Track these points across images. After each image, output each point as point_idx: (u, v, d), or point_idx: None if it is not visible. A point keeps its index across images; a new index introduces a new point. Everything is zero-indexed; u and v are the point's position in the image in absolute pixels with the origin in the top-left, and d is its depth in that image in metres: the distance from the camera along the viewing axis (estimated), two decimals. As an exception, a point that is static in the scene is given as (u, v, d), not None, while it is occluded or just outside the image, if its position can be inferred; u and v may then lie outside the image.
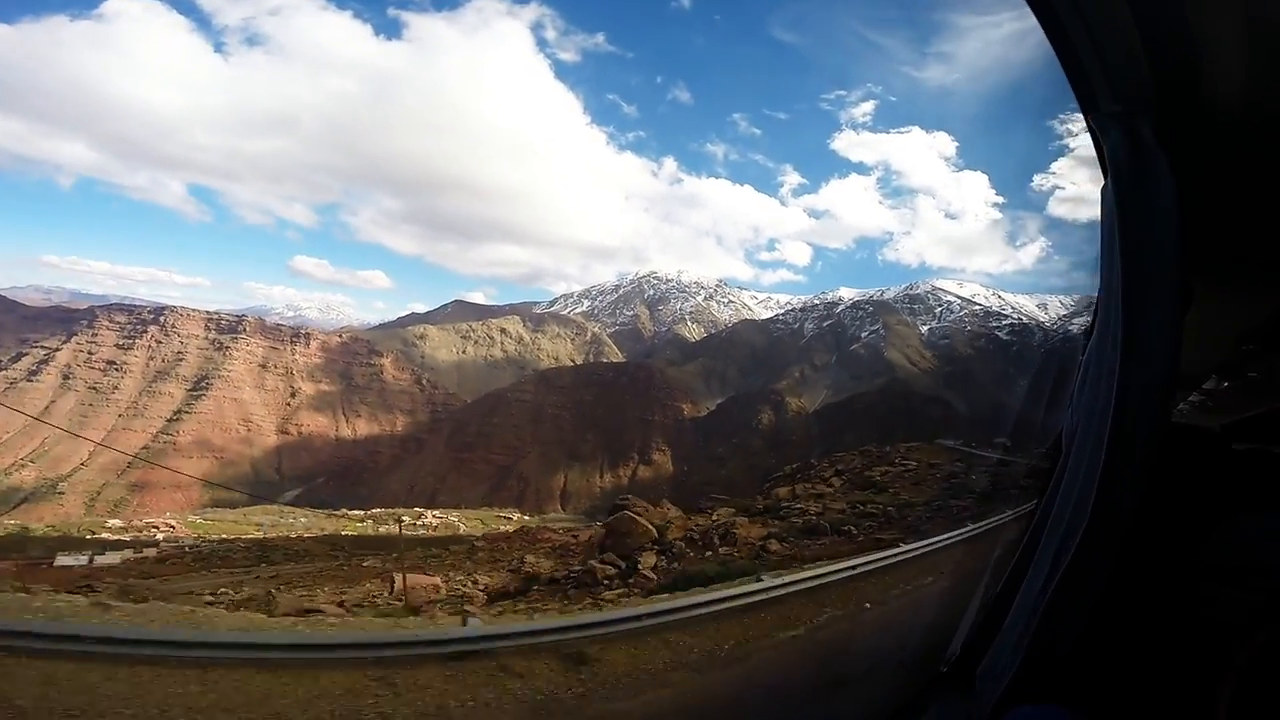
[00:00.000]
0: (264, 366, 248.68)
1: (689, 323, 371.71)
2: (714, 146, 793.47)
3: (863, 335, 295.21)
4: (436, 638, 7.26)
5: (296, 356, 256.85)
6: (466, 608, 14.48)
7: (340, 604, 17.23)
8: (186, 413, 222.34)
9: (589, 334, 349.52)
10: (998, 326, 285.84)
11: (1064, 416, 2.08)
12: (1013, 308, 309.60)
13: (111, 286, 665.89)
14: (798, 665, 7.29)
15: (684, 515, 21.07)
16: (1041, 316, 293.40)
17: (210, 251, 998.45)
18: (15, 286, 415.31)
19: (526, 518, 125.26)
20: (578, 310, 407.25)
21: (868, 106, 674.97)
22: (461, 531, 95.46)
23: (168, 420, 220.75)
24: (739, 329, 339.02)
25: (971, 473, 23.15)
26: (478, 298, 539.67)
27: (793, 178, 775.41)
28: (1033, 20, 1.84)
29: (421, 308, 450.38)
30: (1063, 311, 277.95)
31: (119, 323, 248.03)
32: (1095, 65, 1.85)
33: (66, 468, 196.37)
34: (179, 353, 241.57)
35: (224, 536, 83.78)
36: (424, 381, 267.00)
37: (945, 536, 11.55)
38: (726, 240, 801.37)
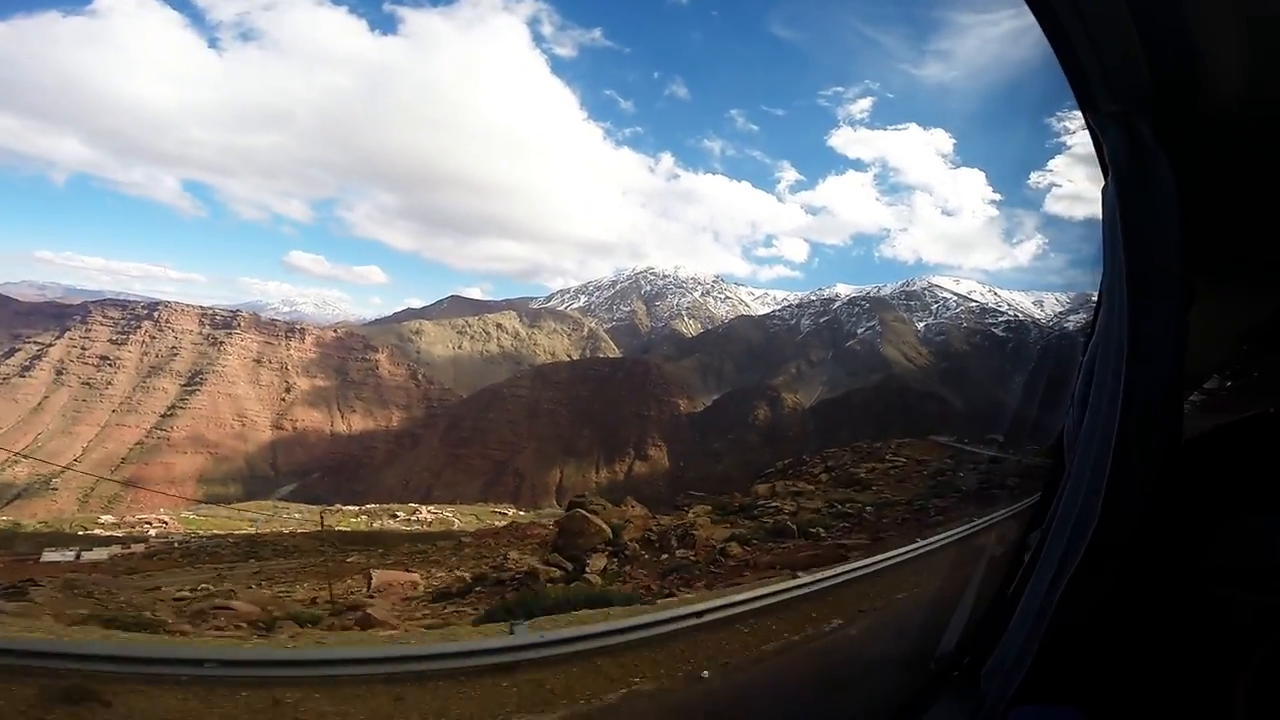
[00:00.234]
0: (259, 362, 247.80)
1: (686, 318, 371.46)
2: (711, 142, 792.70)
3: (859, 331, 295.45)
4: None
5: (291, 352, 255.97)
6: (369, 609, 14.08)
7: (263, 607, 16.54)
8: (181, 408, 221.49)
9: (585, 329, 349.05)
10: (994, 323, 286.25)
11: (1063, 415, 2.07)
12: (1009, 304, 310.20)
13: (106, 282, 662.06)
14: (800, 665, 7.18)
15: (649, 514, 20.54)
16: (1037, 313, 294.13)
17: (205, 247, 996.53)
18: (9, 282, 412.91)
19: (521, 513, 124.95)
20: (574, 306, 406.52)
21: (865, 103, 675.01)
22: (456, 527, 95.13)
23: (162, 416, 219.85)
24: (735, 325, 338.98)
25: (960, 470, 22.88)
26: (474, 293, 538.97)
27: (790, 174, 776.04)
28: (1031, 18, 1.83)
29: (418, 303, 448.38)
30: (1059, 308, 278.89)
31: (112, 318, 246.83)
32: (1094, 65, 1.85)
33: (60, 463, 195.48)
34: (173, 348, 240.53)
35: (216, 532, 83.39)
36: (420, 377, 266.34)
37: (943, 535, 11.27)
38: (723, 236, 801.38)
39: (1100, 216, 1.87)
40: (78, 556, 46.74)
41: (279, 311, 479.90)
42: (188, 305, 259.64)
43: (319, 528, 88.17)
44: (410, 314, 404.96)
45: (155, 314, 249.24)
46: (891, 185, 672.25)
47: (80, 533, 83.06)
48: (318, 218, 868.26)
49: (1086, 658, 1.81)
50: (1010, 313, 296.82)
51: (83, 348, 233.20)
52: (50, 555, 46.63)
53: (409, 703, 5.88)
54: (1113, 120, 1.86)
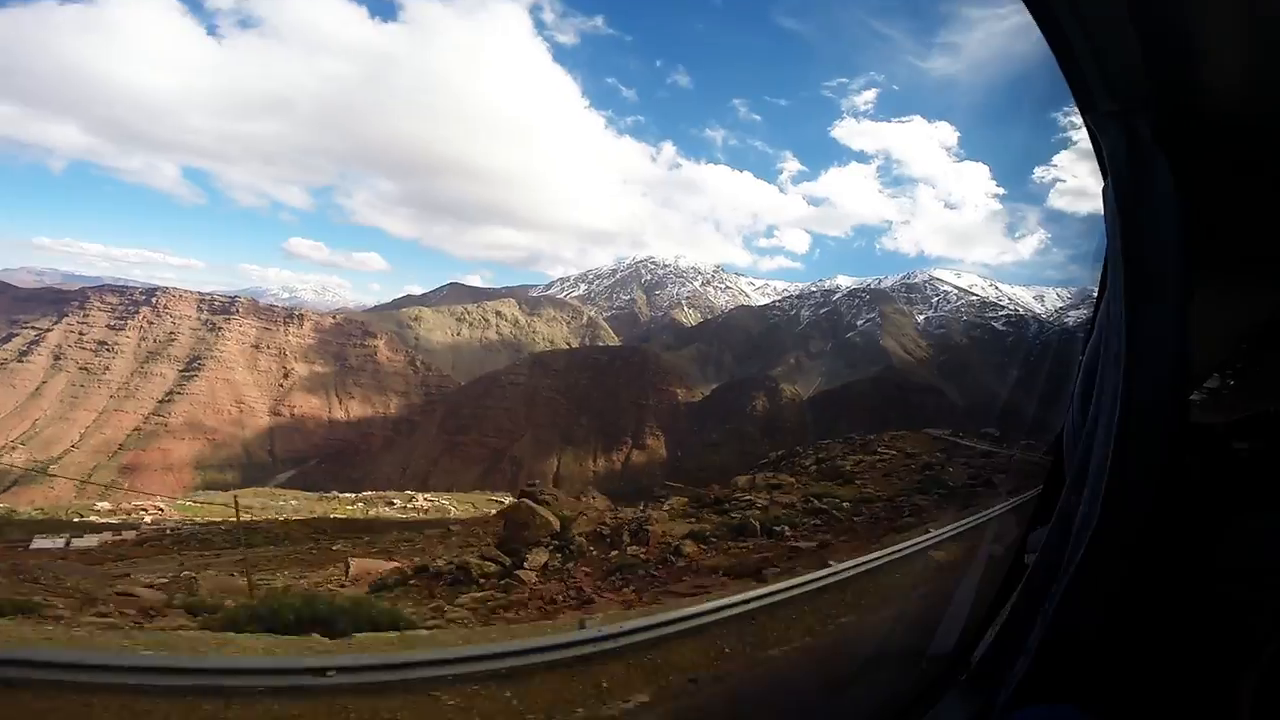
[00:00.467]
0: (257, 347, 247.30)
1: (686, 308, 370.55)
2: (713, 132, 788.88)
3: (859, 323, 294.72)
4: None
5: (290, 337, 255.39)
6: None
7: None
8: (178, 394, 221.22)
9: (585, 318, 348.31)
10: (994, 317, 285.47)
11: (1063, 412, 2.06)
12: (1010, 299, 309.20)
13: (105, 268, 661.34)
14: (801, 665, 7.10)
15: (609, 507, 19.75)
16: (1039, 309, 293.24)
17: (204, 234, 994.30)
18: (7, 269, 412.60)
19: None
20: (574, 294, 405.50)
21: (870, 95, 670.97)
22: (452, 515, 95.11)
23: (159, 401, 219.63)
24: (735, 315, 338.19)
25: (950, 465, 22.52)
26: (474, 280, 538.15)
27: (792, 164, 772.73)
28: (1030, 18, 1.84)
29: (418, 290, 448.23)
30: (1059, 304, 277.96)
31: (110, 304, 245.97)
32: (1092, 65, 1.84)
33: (57, 449, 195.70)
34: (171, 334, 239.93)
35: (211, 520, 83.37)
36: (418, 363, 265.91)
37: (914, 541, 10.92)
38: (725, 226, 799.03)
39: (1101, 214, 1.88)
40: (67, 544, 46.44)
41: (278, 298, 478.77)
42: (186, 291, 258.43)
43: (312, 515, 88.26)
44: (410, 301, 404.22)
45: (153, 300, 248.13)
46: (895, 178, 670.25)
47: (76, 520, 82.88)
48: (317, 204, 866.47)
49: (1088, 657, 1.80)
50: (1011, 307, 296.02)
51: (80, 333, 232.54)
52: (40, 542, 46.34)
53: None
54: (1112, 120, 1.86)
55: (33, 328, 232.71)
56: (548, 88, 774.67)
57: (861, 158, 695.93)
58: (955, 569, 8.26)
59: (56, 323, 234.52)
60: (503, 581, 13.93)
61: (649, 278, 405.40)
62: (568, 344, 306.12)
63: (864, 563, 9.13)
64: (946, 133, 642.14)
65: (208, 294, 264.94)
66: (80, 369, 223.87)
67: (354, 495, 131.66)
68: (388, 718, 5.55)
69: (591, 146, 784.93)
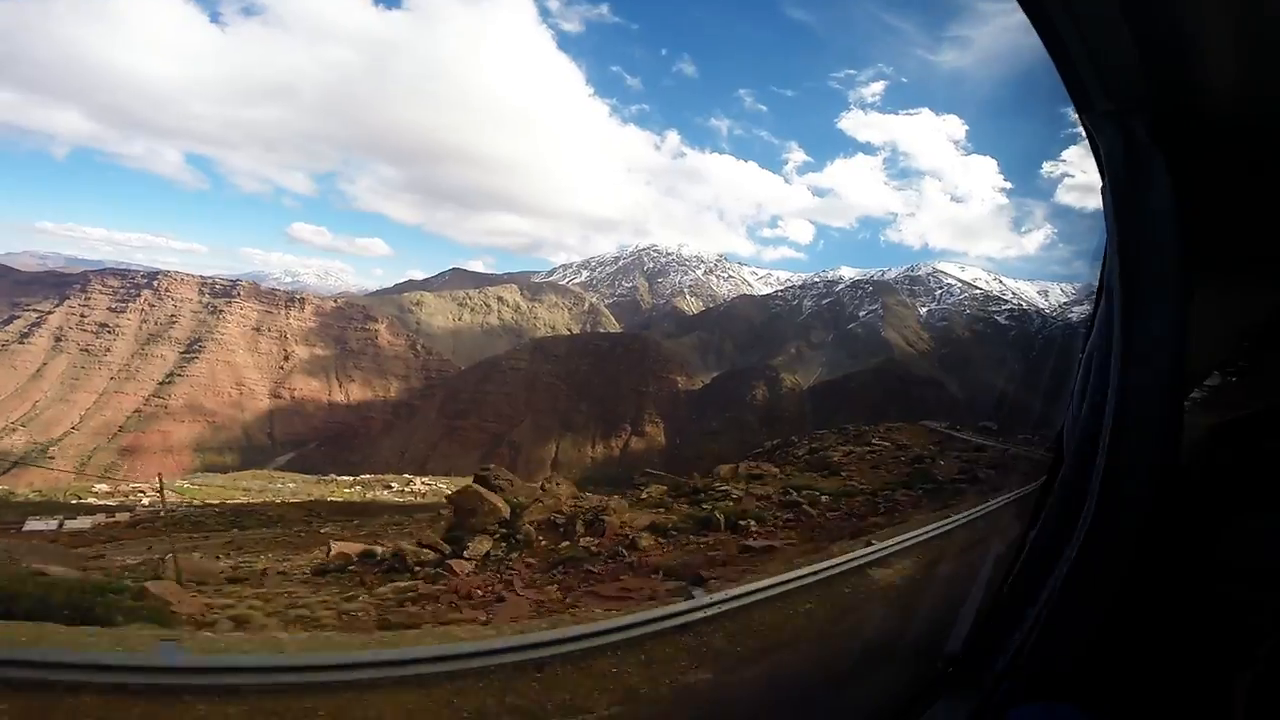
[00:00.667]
0: (258, 330, 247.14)
1: (688, 296, 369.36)
2: (718, 121, 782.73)
3: (861, 314, 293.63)
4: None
5: (291, 320, 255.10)
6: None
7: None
8: (179, 375, 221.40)
9: (586, 304, 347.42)
10: (997, 311, 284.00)
11: (1064, 409, 2.07)
12: (1013, 293, 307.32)
13: (108, 252, 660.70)
14: (798, 664, 6.93)
15: (574, 494, 18.58)
16: (1042, 303, 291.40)
17: (207, 219, 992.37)
18: (10, 252, 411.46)
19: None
20: (576, 281, 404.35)
21: (878, 87, 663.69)
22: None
23: (160, 383, 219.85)
24: (737, 304, 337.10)
25: (941, 458, 22.13)
26: (477, 266, 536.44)
27: (798, 155, 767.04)
28: (1026, 18, 1.84)
29: (420, 275, 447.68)
30: (1063, 299, 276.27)
31: (112, 287, 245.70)
32: (1088, 65, 1.84)
33: (57, 431, 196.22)
34: (172, 316, 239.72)
35: (208, 501, 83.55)
36: (419, 347, 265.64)
37: (939, 526, 10.60)
38: (728, 215, 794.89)
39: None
40: (60, 525, 46.67)
41: (281, 282, 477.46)
42: (188, 274, 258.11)
43: (309, 498, 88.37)
44: (412, 286, 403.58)
45: (155, 283, 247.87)
46: (901, 170, 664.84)
47: (74, 501, 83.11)
48: (320, 190, 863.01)
49: (1087, 656, 1.80)
50: (1015, 302, 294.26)
51: (82, 315, 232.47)
52: (34, 524, 46.60)
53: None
54: (1108, 120, 1.86)
55: (34, 310, 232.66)
56: (552, 75, 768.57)
57: (868, 149, 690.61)
58: (951, 567, 7.90)
59: (58, 305, 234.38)
60: (433, 571, 13.39)
61: (651, 265, 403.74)
62: (569, 330, 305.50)
63: (802, 576, 8.33)
64: (955, 126, 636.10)
65: (209, 278, 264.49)
66: (81, 351, 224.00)
67: (352, 479, 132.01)
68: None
69: (595, 134, 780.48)
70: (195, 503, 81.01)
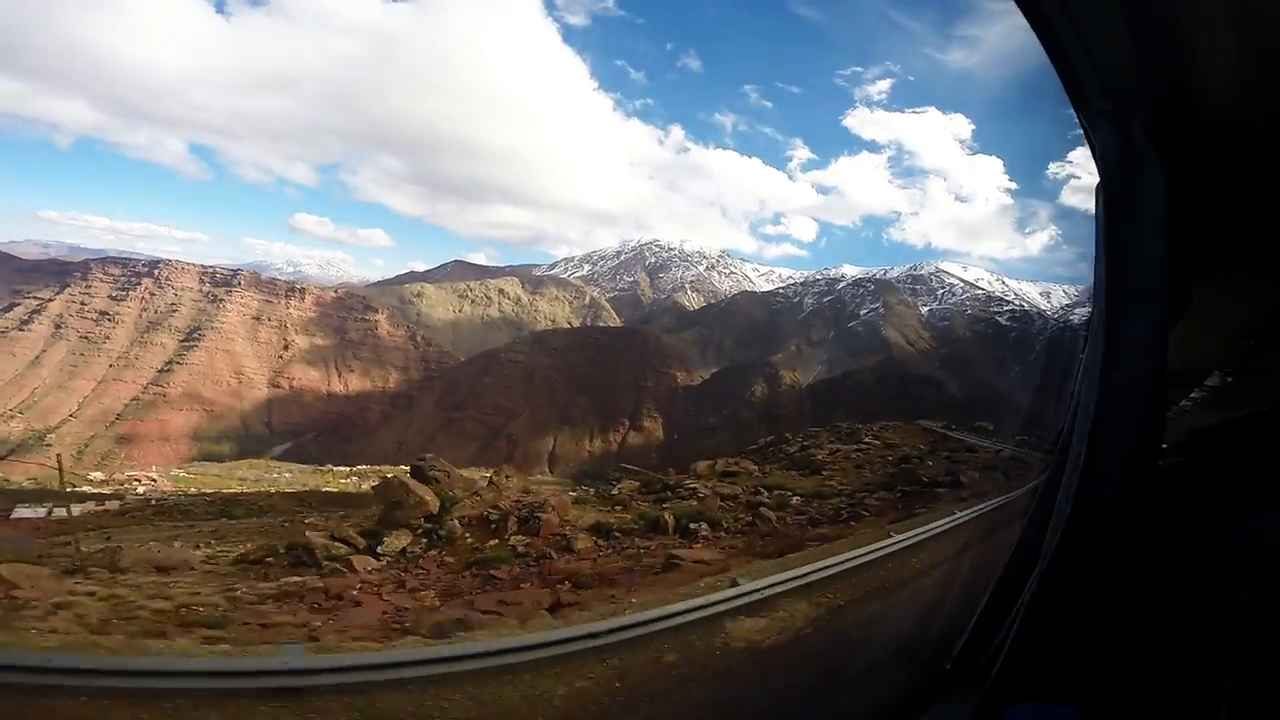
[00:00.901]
0: (257, 319, 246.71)
1: (689, 291, 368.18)
2: (723, 117, 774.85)
3: (862, 313, 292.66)
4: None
5: (291, 310, 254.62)
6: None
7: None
8: (178, 363, 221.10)
9: (587, 298, 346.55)
10: (999, 312, 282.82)
11: (1063, 411, 2.06)
12: (1016, 294, 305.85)
13: (110, 241, 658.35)
14: (797, 664, 6.90)
15: (522, 489, 17.62)
16: (1044, 305, 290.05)
17: (209, 208, 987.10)
18: (13, 241, 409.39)
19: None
20: (577, 274, 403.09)
21: (884, 85, 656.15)
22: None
23: (158, 371, 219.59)
24: (738, 300, 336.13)
25: (930, 459, 21.77)
26: (478, 258, 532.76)
27: (802, 152, 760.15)
28: (1024, 18, 1.84)
29: (421, 267, 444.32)
30: (1066, 301, 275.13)
31: (113, 275, 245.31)
32: (1085, 63, 1.83)
33: (55, 419, 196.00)
34: (172, 305, 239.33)
35: (201, 491, 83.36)
36: (418, 339, 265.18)
37: (937, 524, 10.26)
38: (731, 212, 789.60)
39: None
40: (49, 513, 46.21)
41: (282, 272, 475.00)
42: (189, 263, 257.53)
43: (304, 488, 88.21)
44: (413, 277, 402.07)
45: (156, 271, 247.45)
46: (906, 169, 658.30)
47: (69, 489, 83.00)
48: (322, 181, 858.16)
49: (1081, 656, 1.80)
50: (1017, 303, 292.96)
51: (82, 303, 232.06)
52: (21, 511, 46.18)
53: None
54: (1105, 119, 1.85)
55: (35, 298, 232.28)
56: (556, 69, 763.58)
57: (873, 147, 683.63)
58: (948, 564, 7.88)
59: (59, 293, 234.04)
60: (335, 568, 12.82)
61: (653, 260, 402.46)
62: (569, 323, 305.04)
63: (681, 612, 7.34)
64: (961, 125, 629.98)
65: (210, 267, 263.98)
66: (81, 338, 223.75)
67: (349, 469, 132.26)
68: None
69: (599, 128, 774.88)
70: (190, 492, 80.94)
